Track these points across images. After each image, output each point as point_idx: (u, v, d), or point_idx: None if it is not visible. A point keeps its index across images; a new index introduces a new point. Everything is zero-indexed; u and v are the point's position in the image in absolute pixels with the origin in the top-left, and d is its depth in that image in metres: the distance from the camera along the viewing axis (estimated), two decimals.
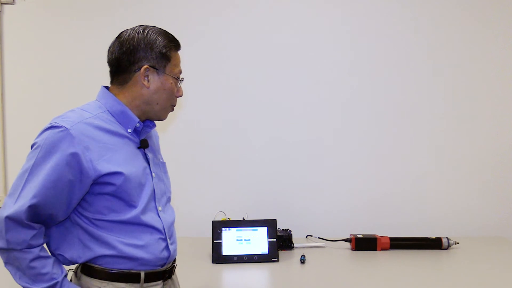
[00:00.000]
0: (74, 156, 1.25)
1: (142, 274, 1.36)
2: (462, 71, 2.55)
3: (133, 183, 1.34)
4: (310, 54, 2.57)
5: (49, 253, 1.32)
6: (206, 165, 2.62)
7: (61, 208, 1.28)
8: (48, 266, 1.28)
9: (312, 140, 2.59)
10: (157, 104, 1.41)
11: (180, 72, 1.46)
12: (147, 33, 1.38)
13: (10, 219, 1.24)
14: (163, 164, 1.55)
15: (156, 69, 1.38)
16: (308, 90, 2.58)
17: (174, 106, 1.48)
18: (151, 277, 1.39)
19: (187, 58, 2.55)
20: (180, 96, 1.47)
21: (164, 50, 1.38)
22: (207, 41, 2.59)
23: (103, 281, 1.33)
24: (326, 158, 2.59)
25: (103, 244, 1.32)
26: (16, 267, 1.28)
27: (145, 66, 1.36)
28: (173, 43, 1.41)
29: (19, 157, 2.64)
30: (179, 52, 1.46)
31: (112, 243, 1.32)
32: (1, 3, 2.61)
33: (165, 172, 1.54)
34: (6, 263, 1.29)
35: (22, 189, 1.26)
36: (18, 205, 1.24)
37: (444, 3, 2.54)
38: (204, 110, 2.61)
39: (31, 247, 1.26)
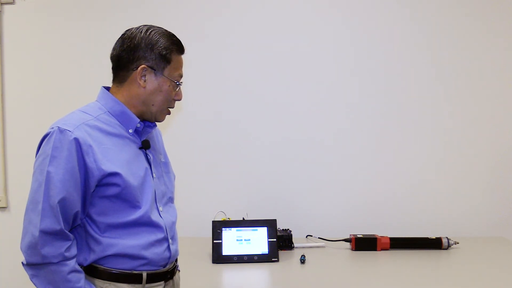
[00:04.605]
0: (79, 157, 1.26)
1: (144, 275, 1.36)
2: (463, 72, 2.55)
3: (136, 184, 1.34)
4: (311, 54, 2.57)
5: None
6: (206, 165, 2.62)
7: (80, 204, 1.28)
8: (82, 280, 1.28)
9: (312, 140, 2.59)
10: (153, 105, 1.40)
11: (181, 76, 1.43)
12: (150, 33, 1.37)
13: (45, 232, 1.24)
14: (165, 164, 1.53)
15: (154, 70, 1.37)
16: (309, 90, 2.58)
17: (172, 108, 1.46)
18: (153, 277, 1.39)
19: (189, 57, 2.55)
20: (179, 100, 1.45)
21: (164, 52, 1.37)
22: (209, 40, 2.59)
23: (105, 282, 1.33)
24: (326, 158, 2.59)
25: (106, 245, 1.32)
26: (48, 280, 1.27)
27: (143, 66, 1.35)
28: (175, 46, 1.40)
29: (19, 157, 2.65)
30: (183, 56, 1.44)
31: (115, 243, 1.32)
32: (1, 3, 2.61)
33: (167, 172, 1.53)
34: (35, 276, 1.28)
35: (44, 201, 1.24)
36: (47, 214, 1.24)
37: (447, 4, 2.53)
38: (204, 110, 2.61)
39: (66, 259, 1.26)
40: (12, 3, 2.62)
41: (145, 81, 1.37)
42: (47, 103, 2.62)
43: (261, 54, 2.58)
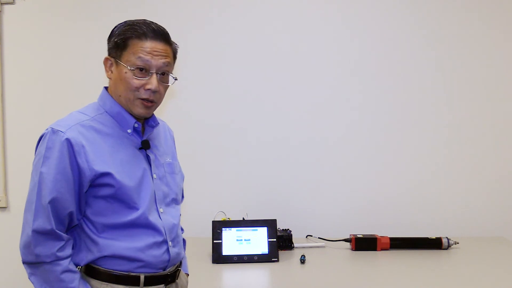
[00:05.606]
0: (71, 157, 1.27)
1: (142, 277, 1.35)
2: (464, 72, 2.54)
3: (132, 184, 1.33)
4: (312, 54, 2.57)
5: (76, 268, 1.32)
6: (206, 165, 2.61)
7: (75, 204, 1.29)
8: (75, 281, 1.28)
9: (312, 141, 2.59)
10: (120, 96, 1.36)
11: (144, 62, 1.30)
12: (120, 24, 1.37)
13: (37, 232, 1.25)
14: (170, 164, 1.50)
15: (114, 58, 1.35)
16: (309, 91, 2.58)
17: (146, 99, 1.34)
18: (152, 280, 1.37)
19: (189, 58, 2.57)
20: (152, 90, 1.32)
21: (116, 39, 1.33)
22: (209, 41, 2.59)
23: (103, 282, 1.33)
24: (326, 158, 2.59)
25: (103, 246, 1.31)
26: (43, 279, 1.28)
27: (105, 57, 1.37)
28: (134, 32, 1.31)
29: (19, 157, 2.65)
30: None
31: (111, 244, 1.31)
32: (1, 3, 2.61)
33: (171, 172, 1.49)
34: (32, 275, 1.29)
35: (37, 200, 1.26)
36: (39, 214, 1.25)
37: (449, 4, 2.53)
38: (204, 110, 2.61)
39: (59, 259, 1.27)
40: (12, 3, 2.62)
41: (111, 72, 1.37)
42: (47, 103, 2.62)
43: (262, 55, 2.58)
